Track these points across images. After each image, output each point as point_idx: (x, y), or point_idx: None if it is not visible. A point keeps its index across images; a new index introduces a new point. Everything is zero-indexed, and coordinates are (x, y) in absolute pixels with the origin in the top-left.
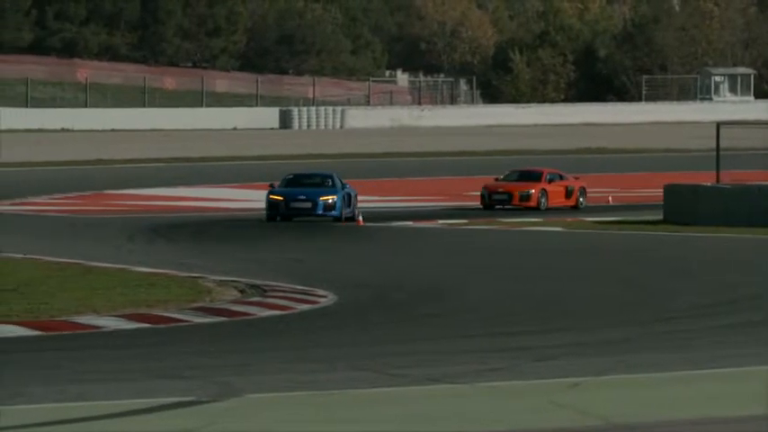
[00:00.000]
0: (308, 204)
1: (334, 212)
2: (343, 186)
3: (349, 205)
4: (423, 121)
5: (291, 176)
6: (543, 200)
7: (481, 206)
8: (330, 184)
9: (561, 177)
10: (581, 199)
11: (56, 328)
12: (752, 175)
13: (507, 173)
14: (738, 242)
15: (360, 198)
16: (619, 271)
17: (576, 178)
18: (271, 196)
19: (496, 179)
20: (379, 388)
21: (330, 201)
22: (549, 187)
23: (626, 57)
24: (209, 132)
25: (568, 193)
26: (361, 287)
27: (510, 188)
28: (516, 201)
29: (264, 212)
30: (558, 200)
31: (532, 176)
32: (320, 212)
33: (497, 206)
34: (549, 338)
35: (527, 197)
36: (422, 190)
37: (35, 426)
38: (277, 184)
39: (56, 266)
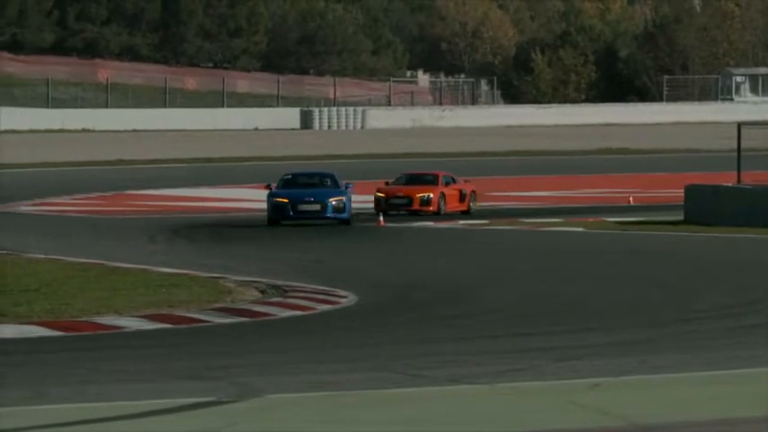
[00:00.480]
0: (317, 206)
1: (343, 215)
2: (347, 186)
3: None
4: (444, 122)
5: (290, 176)
6: (442, 204)
7: (375, 211)
8: (333, 183)
9: (454, 181)
10: (472, 203)
11: (77, 328)
12: None
13: (398, 176)
14: (760, 243)
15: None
16: (641, 271)
17: (467, 181)
18: (275, 198)
19: (387, 183)
20: (400, 388)
21: (339, 202)
22: (446, 191)
23: (647, 57)
24: (230, 133)
25: (462, 197)
26: (383, 287)
27: (409, 192)
28: (416, 205)
29: (267, 215)
30: (453, 204)
31: (428, 180)
32: (329, 215)
33: (393, 211)
34: (572, 339)
35: (427, 201)
36: None
37: (55, 426)
38: (275, 185)
39: (78, 267)
